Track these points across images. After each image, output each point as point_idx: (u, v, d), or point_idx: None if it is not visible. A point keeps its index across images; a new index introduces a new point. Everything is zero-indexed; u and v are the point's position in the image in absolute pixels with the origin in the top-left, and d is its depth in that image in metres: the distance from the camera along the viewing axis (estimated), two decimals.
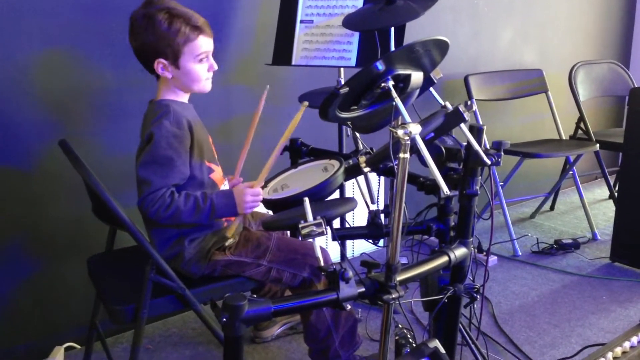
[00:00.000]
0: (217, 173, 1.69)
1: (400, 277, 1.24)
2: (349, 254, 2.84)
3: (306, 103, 1.59)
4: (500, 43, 3.39)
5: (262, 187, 1.62)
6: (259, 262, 1.66)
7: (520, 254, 2.93)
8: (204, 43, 1.58)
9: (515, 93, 3.28)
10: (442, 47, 1.31)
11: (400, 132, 1.11)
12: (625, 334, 1.37)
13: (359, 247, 2.89)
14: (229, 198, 1.57)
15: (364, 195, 2.14)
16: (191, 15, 1.58)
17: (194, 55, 1.58)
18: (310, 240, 1.26)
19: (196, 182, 1.61)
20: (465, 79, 3.06)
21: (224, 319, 1.09)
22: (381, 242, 2.58)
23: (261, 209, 1.69)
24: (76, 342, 2.09)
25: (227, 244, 1.66)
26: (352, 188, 2.65)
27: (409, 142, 1.13)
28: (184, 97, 1.66)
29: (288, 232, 1.88)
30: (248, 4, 2.34)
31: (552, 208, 3.66)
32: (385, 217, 1.69)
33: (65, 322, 2.09)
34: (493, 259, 2.83)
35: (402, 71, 1.25)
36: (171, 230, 1.62)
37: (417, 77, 1.29)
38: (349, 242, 2.82)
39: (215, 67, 1.63)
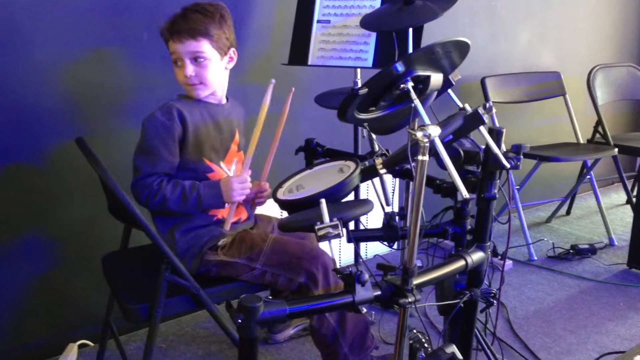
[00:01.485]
0: (217, 174, 1.68)
1: (417, 281, 1.22)
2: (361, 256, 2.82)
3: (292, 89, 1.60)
4: (518, 45, 3.36)
5: (278, 187, 1.61)
6: (252, 265, 1.63)
7: (535, 258, 2.90)
8: (172, 47, 1.61)
9: (532, 96, 3.25)
10: (462, 49, 1.30)
11: (419, 134, 1.10)
12: None
13: (372, 249, 2.87)
14: (215, 188, 1.60)
15: (379, 197, 2.12)
16: (179, 18, 1.60)
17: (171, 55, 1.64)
18: (326, 241, 1.25)
19: (188, 176, 1.63)
20: (482, 81, 3.04)
21: (239, 320, 1.08)
22: (394, 245, 2.56)
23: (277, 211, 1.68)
24: (90, 340, 2.10)
25: (219, 243, 1.65)
26: (366, 190, 2.64)
27: (427, 144, 1.11)
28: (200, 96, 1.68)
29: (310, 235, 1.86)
30: (265, 4, 2.34)
31: (568, 212, 3.62)
32: (400, 219, 1.67)
33: (79, 319, 2.10)
34: (508, 264, 2.81)
35: (421, 72, 1.23)
36: (167, 218, 1.65)
37: (436, 78, 1.27)
38: (362, 244, 2.81)
39: (189, 73, 1.61)
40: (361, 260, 2.15)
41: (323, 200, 1.27)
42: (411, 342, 1.42)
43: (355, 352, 1.74)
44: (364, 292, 1.19)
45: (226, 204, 1.64)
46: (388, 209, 1.74)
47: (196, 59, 1.61)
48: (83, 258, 2.06)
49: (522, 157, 1.40)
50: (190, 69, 1.61)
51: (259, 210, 1.88)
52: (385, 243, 1.65)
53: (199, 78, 1.63)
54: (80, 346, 2.05)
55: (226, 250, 1.65)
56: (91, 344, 2.09)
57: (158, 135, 1.58)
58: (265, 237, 1.68)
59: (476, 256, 1.41)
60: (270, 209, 1.95)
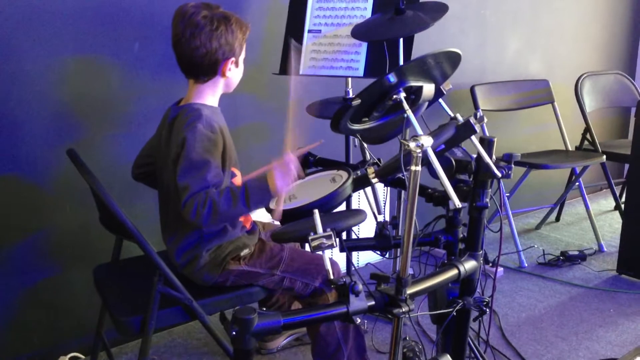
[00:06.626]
0: (238, 178, 1.68)
1: (410, 290, 1.23)
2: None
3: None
4: (507, 53, 3.39)
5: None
6: (273, 272, 1.66)
7: (526, 265, 2.91)
8: (244, 47, 1.66)
9: (521, 104, 3.28)
10: (453, 59, 1.31)
11: (412, 144, 1.10)
12: (636, 349, 1.36)
13: (364, 258, 2.87)
14: (261, 180, 1.47)
15: (371, 206, 2.12)
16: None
17: None
18: (320, 252, 1.25)
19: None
20: (472, 89, 3.06)
21: (234, 332, 1.08)
22: (387, 254, 2.56)
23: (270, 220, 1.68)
24: (81, 352, 2.08)
25: (242, 254, 1.66)
26: (357, 199, 2.64)
27: (420, 154, 1.12)
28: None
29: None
30: (256, 13, 2.34)
31: (557, 219, 3.65)
32: (392, 228, 1.67)
33: (71, 331, 2.08)
34: (499, 271, 2.82)
35: (414, 83, 1.24)
36: (192, 235, 1.61)
37: (428, 89, 1.29)
38: (354, 253, 2.81)
39: None
40: (354, 269, 2.15)
41: (316, 211, 1.27)
42: (405, 350, 1.42)
43: None
44: (358, 303, 1.19)
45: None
46: (380, 218, 1.74)
47: None
48: (74, 269, 2.04)
49: (513, 165, 1.41)
50: None
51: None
52: (378, 252, 1.66)
53: None
54: (71, 359, 2.04)
55: (247, 260, 1.67)
56: (82, 356, 2.07)
57: (205, 149, 1.49)
58: (282, 246, 1.71)
59: (469, 265, 1.41)
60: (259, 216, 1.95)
